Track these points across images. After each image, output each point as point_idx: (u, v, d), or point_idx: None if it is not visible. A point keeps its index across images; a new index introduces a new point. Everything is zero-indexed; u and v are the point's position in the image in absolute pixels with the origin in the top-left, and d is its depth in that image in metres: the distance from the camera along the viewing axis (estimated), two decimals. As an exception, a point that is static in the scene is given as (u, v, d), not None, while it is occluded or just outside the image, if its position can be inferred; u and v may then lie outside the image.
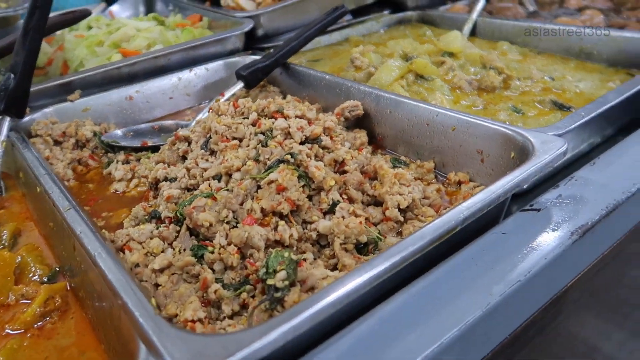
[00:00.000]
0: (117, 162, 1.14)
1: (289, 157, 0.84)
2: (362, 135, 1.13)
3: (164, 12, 2.10)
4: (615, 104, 1.02)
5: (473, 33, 1.73)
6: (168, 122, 1.31)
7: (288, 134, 0.91)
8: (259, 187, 0.83)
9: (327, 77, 1.28)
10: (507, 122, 1.14)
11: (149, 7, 2.18)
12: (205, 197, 0.82)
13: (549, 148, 0.82)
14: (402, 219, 0.85)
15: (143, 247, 0.79)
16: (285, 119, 0.96)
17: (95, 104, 1.30)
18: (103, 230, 0.81)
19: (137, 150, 1.20)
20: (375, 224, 0.86)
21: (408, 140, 1.09)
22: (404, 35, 1.81)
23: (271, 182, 0.80)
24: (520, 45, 1.59)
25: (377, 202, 0.90)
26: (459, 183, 0.98)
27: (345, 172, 0.92)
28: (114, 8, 2.13)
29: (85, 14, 1.35)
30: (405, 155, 1.11)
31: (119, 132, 1.24)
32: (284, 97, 1.40)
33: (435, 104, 1.23)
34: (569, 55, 1.50)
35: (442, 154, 1.03)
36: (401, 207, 0.85)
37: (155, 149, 1.18)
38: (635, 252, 1.01)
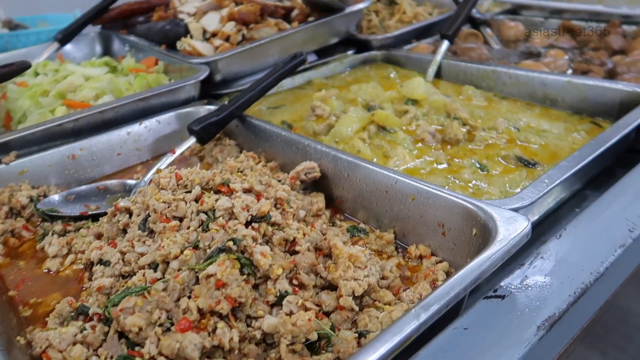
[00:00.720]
0: (53, 234, 1.05)
1: (231, 243, 0.76)
2: (319, 200, 1.06)
3: (121, 51, 2.01)
4: (580, 167, 0.97)
5: (438, 75, 1.69)
6: (114, 182, 1.22)
7: (232, 214, 0.83)
8: (198, 279, 0.75)
9: (283, 133, 1.21)
10: (472, 182, 1.10)
11: (106, 47, 2.09)
12: (136, 293, 0.73)
13: (512, 229, 0.76)
14: (357, 308, 0.78)
15: (64, 357, 0.70)
16: (232, 193, 0.89)
17: (33, 165, 1.21)
18: (18, 338, 0.72)
19: (76, 218, 1.10)
20: (328, 313, 0.79)
21: (367, 206, 1.03)
22: (368, 77, 1.77)
23: (210, 276, 0.72)
24: (485, 90, 1.56)
25: (332, 285, 0.83)
26: (421, 257, 0.92)
27: (296, 252, 0.85)
28: (68, 47, 2.04)
29: (24, 67, 1.26)
30: (365, 221, 1.04)
31: (56, 197, 1.15)
32: (241, 151, 1.33)
33: (397, 160, 1.18)
34: (533, 101, 1.47)
35: (403, 223, 0.97)
36: (356, 295, 0.78)
37: (97, 216, 1.10)
38: (600, 333, 0.96)
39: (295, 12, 1.77)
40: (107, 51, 2.09)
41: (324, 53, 1.89)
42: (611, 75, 1.53)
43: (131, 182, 1.22)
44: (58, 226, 1.08)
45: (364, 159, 1.05)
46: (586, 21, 2.02)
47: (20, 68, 1.25)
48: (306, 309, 0.75)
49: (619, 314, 1.20)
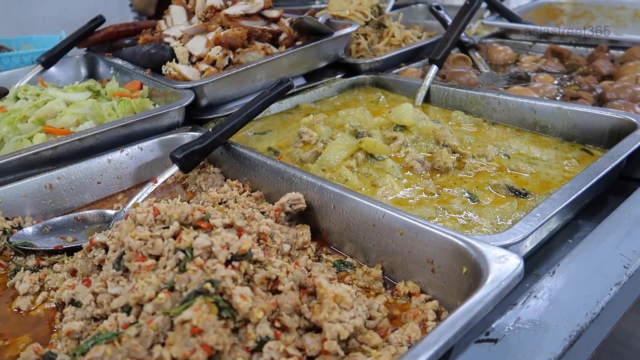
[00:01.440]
0: (25, 270, 1.00)
1: (209, 285, 0.72)
2: (304, 233, 1.03)
3: (106, 74, 1.99)
4: (573, 200, 0.95)
5: (427, 99, 1.68)
6: (92, 213, 1.18)
7: (211, 253, 0.79)
8: (173, 323, 0.71)
9: (268, 162, 1.18)
10: (462, 214, 1.07)
11: (91, 69, 2.07)
12: (107, 340, 0.69)
13: (504, 269, 0.73)
14: (342, 352, 0.74)
15: (25, 413, 0.65)
16: (212, 229, 0.85)
17: (7, 195, 1.16)
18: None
19: (51, 252, 1.06)
20: (312, 358, 0.75)
21: (354, 240, 0.99)
22: (356, 101, 1.75)
23: (185, 322, 0.68)
24: (475, 115, 1.54)
25: (316, 327, 0.78)
26: (410, 295, 0.88)
27: (279, 291, 0.81)
28: (53, 70, 2.01)
29: (1, 93, 1.22)
30: (352, 255, 1.01)
31: (30, 229, 1.10)
32: (225, 179, 1.30)
33: (385, 190, 1.15)
34: (523, 127, 1.45)
35: (391, 258, 0.93)
36: (342, 338, 0.74)
37: (73, 250, 1.05)
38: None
39: (283, 36, 1.76)
40: (92, 74, 2.06)
41: (313, 76, 1.87)
42: (600, 101, 1.52)
43: (110, 212, 1.18)
44: (31, 261, 1.03)
45: (351, 190, 1.02)
46: (574, 45, 2.02)
47: (-3, 94, 1.21)
48: (288, 356, 0.71)
49: (622, 340, 1.16)
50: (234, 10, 1.71)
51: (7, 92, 1.25)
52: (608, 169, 1.02)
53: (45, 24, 2.49)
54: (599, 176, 0.99)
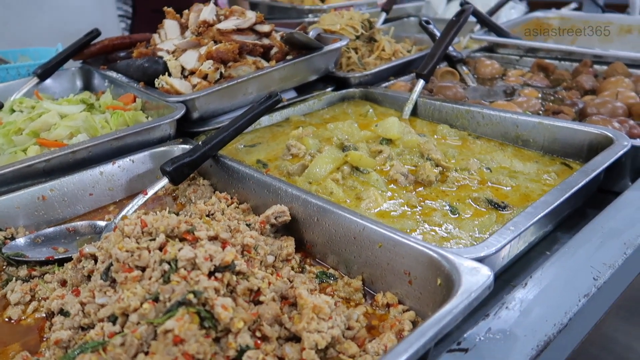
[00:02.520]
0: (16, 280, 1.03)
1: (191, 296, 0.75)
2: (289, 245, 1.06)
3: (101, 86, 2.02)
4: (547, 213, 0.98)
5: (414, 112, 1.72)
6: (83, 224, 1.21)
7: (195, 264, 0.82)
8: (156, 333, 0.74)
9: (255, 175, 1.21)
10: (442, 227, 1.10)
11: (86, 82, 2.10)
12: (92, 349, 0.71)
13: (474, 281, 0.76)
14: (319, 361, 0.77)
15: (12, 419, 0.67)
16: (197, 241, 0.88)
17: (0, 207, 1.18)
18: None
19: (43, 262, 1.08)
20: (291, 367, 0.78)
21: (337, 251, 1.03)
22: (345, 114, 1.79)
23: (167, 331, 0.71)
24: (460, 128, 1.58)
25: (297, 337, 0.81)
26: (388, 305, 0.91)
27: (260, 302, 0.84)
28: (49, 82, 2.04)
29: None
30: (335, 266, 1.04)
31: (22, 240, 1.13)
32: (215, 191, 1.33)
33: (369, 202, 1.18)
34: (506, 141, 1.49)
35: (371, 270, 0.96)
36: (319, 348, 0.77)
37: (64, 260, 1.08)
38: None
39: (274, 51, 1.80)
40: (87, 86, 2.10)
41: (304, 90, 1.91)
42: (581, 115, 1.56)
43: (101, 223, 1.21)
44: (23, 271, 1.06)
45: (333, 203, 1.05)
46: (559, 60, 2.07)
47: (-8, 108, 1.24)
48: (267, 364, 0.74)
49: (602, 343, 1.19)
50: (226, 25, 1.75)
51: (1, 106, 1.28)
52: (582, 183, 1.05)
53: (44, 36, 2.52)
54: (572, 190, 1.03)
